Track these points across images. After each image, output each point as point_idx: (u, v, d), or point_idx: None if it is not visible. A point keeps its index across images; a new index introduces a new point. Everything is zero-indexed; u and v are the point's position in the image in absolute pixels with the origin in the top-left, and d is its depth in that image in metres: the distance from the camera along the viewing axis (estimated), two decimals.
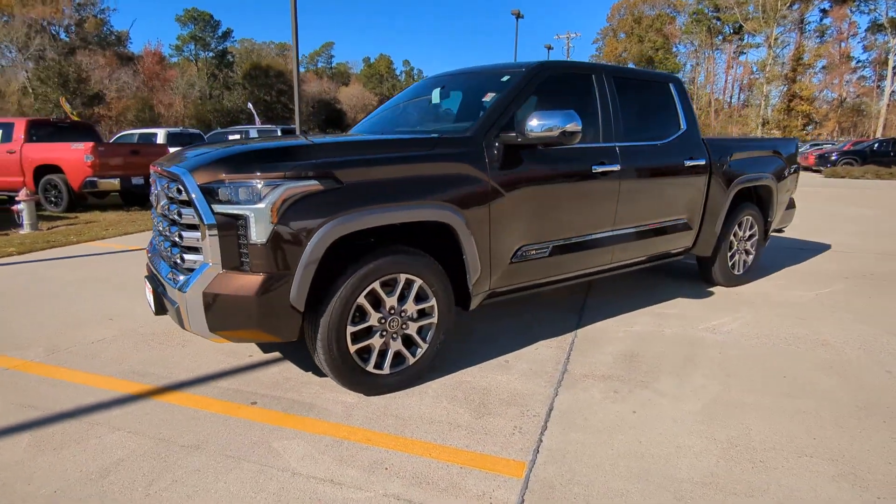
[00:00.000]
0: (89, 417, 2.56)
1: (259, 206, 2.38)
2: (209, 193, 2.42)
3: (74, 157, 9.74)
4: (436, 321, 2.93)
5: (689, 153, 4.10)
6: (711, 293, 4.69)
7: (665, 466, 2.20)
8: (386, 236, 2.88)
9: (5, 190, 10.34)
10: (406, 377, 2.87)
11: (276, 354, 3.30)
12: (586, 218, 3.54)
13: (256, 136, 13.75)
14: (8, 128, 10.58)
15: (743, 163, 4.58)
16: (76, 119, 14.85)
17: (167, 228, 2.74)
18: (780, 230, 5.55)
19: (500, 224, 3.04)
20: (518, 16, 32.66)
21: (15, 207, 7.73)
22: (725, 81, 65.41)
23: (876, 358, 3.29)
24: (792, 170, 5.20)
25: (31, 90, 46.59)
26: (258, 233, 2.39)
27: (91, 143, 9.82)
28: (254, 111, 19.22)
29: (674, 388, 2.89)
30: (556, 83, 3.55)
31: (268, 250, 2.40)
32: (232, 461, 2.22)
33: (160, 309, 2.84)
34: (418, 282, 2.81)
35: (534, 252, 3.29)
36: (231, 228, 2.41)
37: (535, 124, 2.98)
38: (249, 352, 3.33)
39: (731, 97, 66.40)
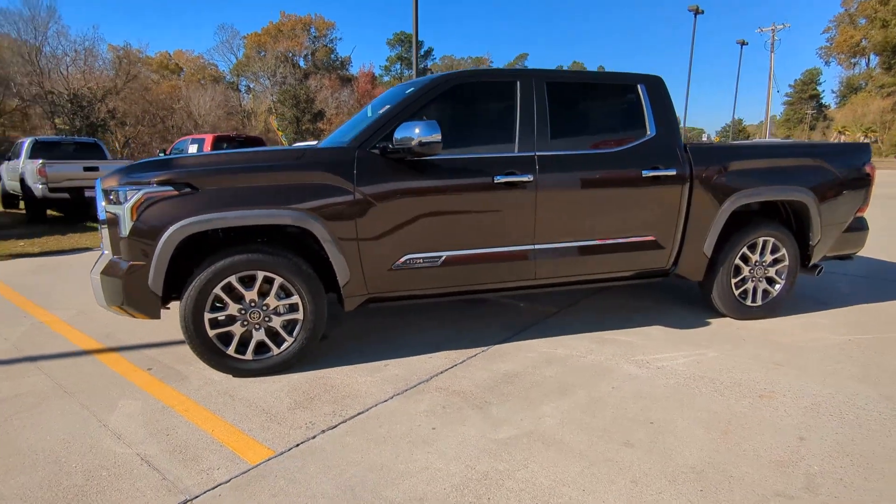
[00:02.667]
0: (40, 362, 3.38)
1: (125, 206, 2.92)
2: (106, 197, 3.04)
3: None
4: (301, 318, 3.18)
5: (654, 162, 3.64)
6: (706, 324, 4.04)
7: (389, 483, 2.18)
8: (261, 237, 3.23)
9: None
10: (268, 366, 3.17)
11: None
12: (492, 230, 3.43)
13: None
14: (200, 142, 13.27)
15: (748, 174, 3.87)
16: (281, 135, 17.83)
17: None
18: (845, 256, 4.48)
19: (370, 232, 3.16)
20: (697, 11, 29.69)
21: None
22: None
23: (804, 422, 2.63)
24: (855, 184, 4.17)
25: (274, 110, 56.11)
26: (124, 228, 2.93)
27: None
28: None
29: (503, 413, 2.72)
30: (464, 94, 3.51)
31: (131, 242, 2.93)
32: (76, 405, 2.79)
33: None
34: (278, 280, 3.10)
35: (421, 262, 3.32)
36: (113, 224, 3.00)
37: (398, 136, 3.05)
38: None
39: None
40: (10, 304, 4.72)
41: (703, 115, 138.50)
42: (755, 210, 4.30)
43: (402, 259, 3.28)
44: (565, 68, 77.38)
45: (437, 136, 3.00)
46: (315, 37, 63.67)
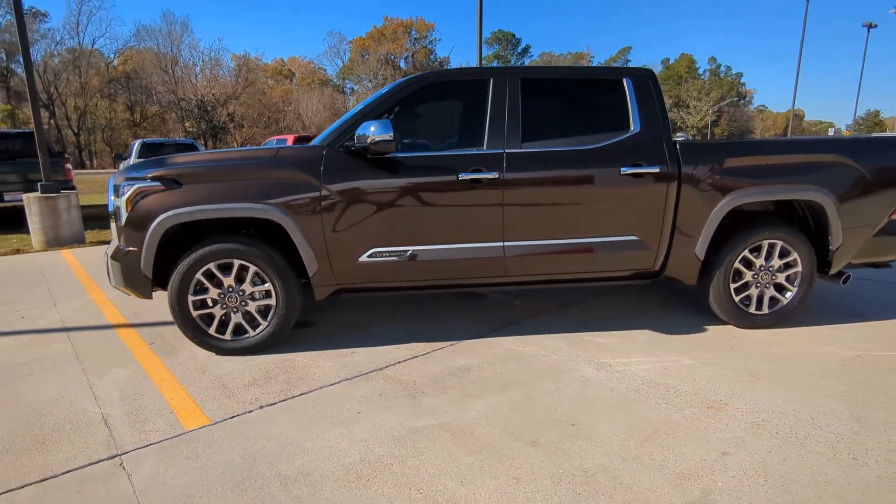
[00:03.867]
0: (72, 332, 3.95)
1: (122, 199, 3.35)
2: (115, 191, 3.50)
3: None
4: (274, 304, 3.45)
5: (636, 159, 3.50)
6: (702, 331, 3.80)
7: (287, 458, 2.35)
8: (245, 229, 3.54)
9: None
10: (244, 346, 3.48)
11: None
12: (460, 227, 3.48)
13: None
14: (283, 142, 14.32)
15: (747, 171, 3.58)
16: None
17: None
18: (880, 264, 3.99)
19: (336, 226, 3.36)
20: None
21: None
22: None
23: (740, 437, 2.45)
24: (889, 183, 3.71)
25: None
26: (121, 218, 3.36)
27: None
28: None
29: (432, 404, 2.80)
30: (437, 93, 3.59)
31: (126, 230, 3.35)
32: (79, 370, 3.26)
33: None
34: (253, 268, 3.39)
35: (388, 255, 3.46)
36: (117, 215, 3.44)
37: (357, 134, 3.22)
38: None
39: None
40: (78, 283, 5.48)
41: (837, 107, 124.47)
42: (766, 210, 3.98)
43: (369, 252, 3.44)
44: (672, 61, 73.29)
45: (389, 136, 3.13)
46: (415, 39, 65.50)
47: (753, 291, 3.79)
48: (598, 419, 2.62)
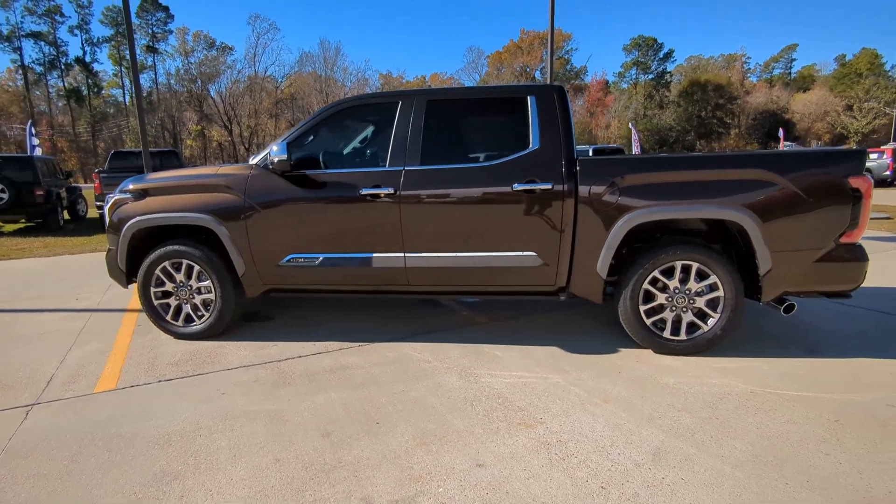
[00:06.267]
0: (95, 313, 4.96)
1: (106, 207, 4.21)
2: (106, 201, 4.38)
3: None
4: (214, 298, 4.08)
5: (531, 175, 3.54)
6: (612, 352, 3.67)
7: (124, 421, 2.89)
8: (202, 235, 4.21)
9: None
10: (192, 332, 4.14)
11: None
12: (363, 237, 3.80)
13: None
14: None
15: (649, 189, 3.40)
16: None
17: None
18: (836, 293, 3.48)
19: (256, 233, 3.88)
20: None
21: None
22: None
23: (513, 452, 2.48)
24: (827, 201, 3.28)
25: None
26: (106, 222, 4.22)
27: None
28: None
29: (283, 393, 3.17)
30: (352, 116, 3.96)
31: (110, 232, 4.20)
32: (72, 341, 4.16)
33: None
34: (196, 267, 4.05)
35: (302, 261, 3.90)
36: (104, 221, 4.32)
37: (270, 154, 3.72)
38: None
39: None
40: None
41: None
42: (688, 230, 3.73)
43: (287, 258, 3.91)
44: (849, 57, 63.85)
45: (284, 156, 3.59)
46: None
47: (668, 315, 3.57)
48: (404, 422, 2.80)
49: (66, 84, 59.89)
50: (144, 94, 60.43)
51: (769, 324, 4.25)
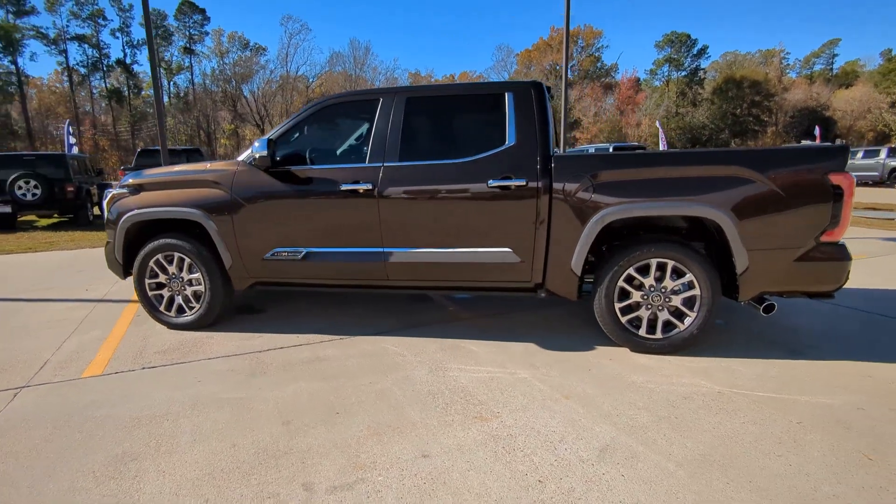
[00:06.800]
0: (100, 303, 5.18)
1: (104, 201, 4.39)
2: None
3: None
4: (203, 290, 4.22)
5: (507, 172, 3.55)
6: (589, 349, 3.65)
7: (99, 405, 3.03)
8: (192, 228, 4.36)
9: None
10: (183, 323, 4.28)
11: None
12: (344, 232, 3.87)
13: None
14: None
15: (624, 186, 3.37)
16: None
17: None
18: (817, 294, 3.38)
19: (242, 227, 4.00)
20: None
21: None
22: None
23: (463, 444, 2.50)
24: (805, 198, 3.19)
25: None
26: (104, 216, 4.40)
27: None
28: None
29: (256, 382, 3.26)
30: (335, 114, 4.03)
31: (108, 225, 4.38)
32: (73, 329, 4.35)
33: None
34: (187, 260, 4.19)
35: (286, 255, 4.00)
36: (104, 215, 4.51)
37: (252, 151, 3.82)
38: None
39: None
40: None
41: None
42: (668, 227, 3.68)
43: (272, 252, 4.01)
44: (895, 52, 61.06)
45: (264, 152, 3.69)
46: (582, 47, 64.33)
47: (644, 313, 3.53)
48: (363, 412, 2.85)
49: (107, 85, 62.09)
50: (181, 95, 62.25)
51: (758, 325, 4.15)
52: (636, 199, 3.36)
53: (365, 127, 3.95)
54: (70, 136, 18.92)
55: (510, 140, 3.61)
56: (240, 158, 4.09)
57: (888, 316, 4.29)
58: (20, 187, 11.66)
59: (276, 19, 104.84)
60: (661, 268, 3.46)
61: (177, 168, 4.42)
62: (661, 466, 2.30)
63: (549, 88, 4.09)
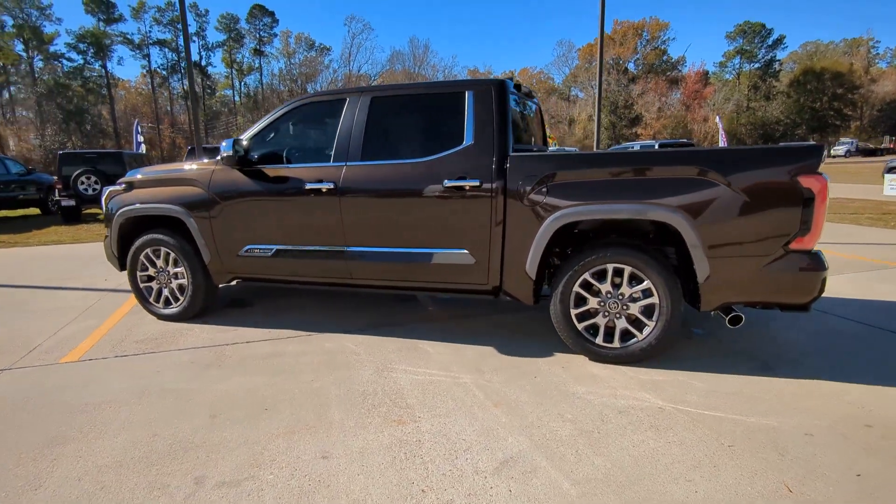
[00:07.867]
0: (104, 293, 5.51)
1: (103, 199, 4.67)
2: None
3: None
4: (186, 283, 4.40)
5: (462, 172, 3.48)
6: (547, 356, 3.52)
7: (65, 390, 3.22)
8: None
9: None
10: (169, 314, 4.49)
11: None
12: (309, 230, 3.92)
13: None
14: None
15: (578, 187, 3.22)
16: (552, 142, 19.21)
17: None
18: (790, 306, 3.08)
19: (218, 224, 4.14)
20: None
21: None
22: None
23: (322, 448, 2.48)
24: (772, 202, 2.92)
25: (594, 119, 58.31)
26: (103, 211, 4.68)
27: None
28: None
29: (213, 374, 3.37)
30: (304, 114, 4.09)
31: (106, 220, 4.66)
32: (72, 318, 4.66)
33: None
34: (172, 255, 4.39)
35: (258, 251, 4.11)
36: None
37: (222, 150, 3.95)
38: None
39: None
40: None
41: None
42: (636, 231, 3.47)
43: (245, 248, 4.13)
44: None
45: (230, 151, 3.81)
46: (647, 40, 62.08)
47: (601, 321, 3.37)
48: (289, 410, 2.88)
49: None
50: (251, 95, 65.18)
51: (741, 336, 3.85)
52: (591, 202, 3.20)
53: (332, 127, 3.98)
54: (139, 135, 20.21)
55: (468, 140, 3.53)
56: (219, 157, 4.23)
57: (892, 331, 3.87)
58: (82, 182, 12.60)
59: (341, 20, 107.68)
60: (619, 273, 3.28)
61: (167, 167, 4.63)
62: (556, 484, 2.19)
63: (519, 86, 3.98)
